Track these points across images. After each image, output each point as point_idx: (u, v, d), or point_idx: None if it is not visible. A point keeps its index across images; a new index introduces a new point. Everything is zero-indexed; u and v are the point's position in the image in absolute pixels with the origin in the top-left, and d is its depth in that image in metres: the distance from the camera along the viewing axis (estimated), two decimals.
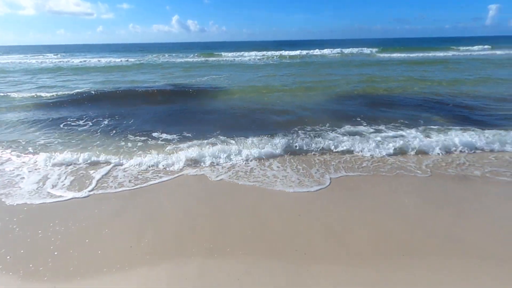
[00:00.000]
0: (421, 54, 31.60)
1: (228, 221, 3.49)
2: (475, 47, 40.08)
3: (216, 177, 4.64)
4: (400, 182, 4.38)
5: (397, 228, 3.29)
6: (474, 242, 3.02)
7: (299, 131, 6.71)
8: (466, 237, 3.10)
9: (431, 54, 32.01)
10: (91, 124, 7.81)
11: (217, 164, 5.05)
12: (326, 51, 37.83)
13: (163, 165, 4.98)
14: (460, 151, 5.32)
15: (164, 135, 6.66)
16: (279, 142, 5.65)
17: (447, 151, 5.31)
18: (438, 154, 5.21)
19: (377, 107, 8.99)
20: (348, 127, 6.86)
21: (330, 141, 5.76)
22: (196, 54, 37.95)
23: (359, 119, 7.55)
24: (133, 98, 10.80)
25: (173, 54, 39.98)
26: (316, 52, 37.12)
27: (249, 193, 4.16)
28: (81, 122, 8.00)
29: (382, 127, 6.90)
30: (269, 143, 5.71)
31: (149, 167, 4.96)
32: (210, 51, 47.49)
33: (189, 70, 20.16)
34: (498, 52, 32.89)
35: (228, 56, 34.87)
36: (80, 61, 30.37)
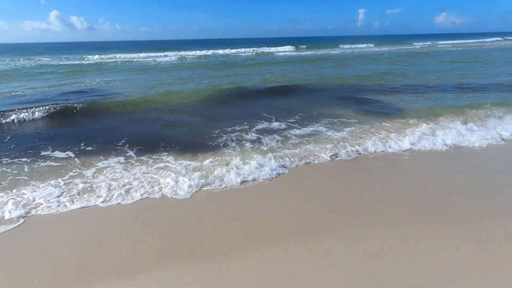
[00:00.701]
0: (311, 52, 35.71)
1: (141, 237, 3.32)
2: (363, 45, 48.23)
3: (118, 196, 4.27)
4: (313, 169, 4.99)
5: (308, 210, 3.75)
6: (372, 212, 3.70)
7: (221, 135, 6.82)
8: (365, 209, 3.77)
9: (324, 51, 36.58)
10: None
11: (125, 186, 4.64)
12: (228, 50, 38.82)
13: (59, 191, 4.28)
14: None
15: (56, 154, 5.78)
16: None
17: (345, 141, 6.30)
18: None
19: (284, 105, 9.78)
20: (264, 125, 7.50)
21: (251, 144, 6.23)
22: (83, 56, 33.49)
23: (271, 116, 8.23)
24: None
25: (54, 56, 34.45)
26: (220, 51, 37.69)
27: (162, 203, 4.06)
28: None
29: (289, 123, 7.68)
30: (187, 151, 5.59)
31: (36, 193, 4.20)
32: (102, 51, 42.76)
33: (75, 75, 17.54)
34: (384, 48, 40.83)
35: (124, 57, 31.98)
36: None
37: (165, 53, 35.19)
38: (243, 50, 39.51)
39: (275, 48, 42.35)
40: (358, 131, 6.77)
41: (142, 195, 4.23)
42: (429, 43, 53.54)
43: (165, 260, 2.96)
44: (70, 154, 5.76)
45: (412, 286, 2.57)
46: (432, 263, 2.81)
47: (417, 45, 48.88)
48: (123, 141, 6.46)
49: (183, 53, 35.32)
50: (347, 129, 6.94)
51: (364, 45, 48.61)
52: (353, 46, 47.24)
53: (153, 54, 34.07)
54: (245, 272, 2.76)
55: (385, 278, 2.65)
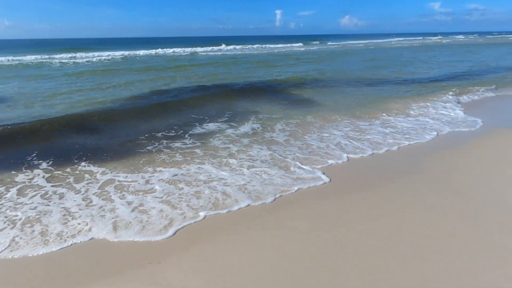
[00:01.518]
0: (240, 52, 35.98)
1: (57, 260, 3.15)
2: (295, 44, 50.79)
3: None
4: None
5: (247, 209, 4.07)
6: (300, 201, 4.33)
7: (152, 142, 6.55)
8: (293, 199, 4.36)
9: (255, 51, 37.08)
10: None
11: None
12: (147, 51, 36.42)
13: None
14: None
15: None
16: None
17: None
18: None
19: (216, 108, 9.82)
20: (199, 128, 7.49)
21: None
22: None
23: (205, 118, 8.37)
24: None
25: None
26: (140, 52, 34.99)
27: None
28: None
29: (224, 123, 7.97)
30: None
31: None
32: None
33: None
34: (312, 48, 43.91)
35: (15, 59, 26.82)
36: None
37: (73, 54, 31.00)
38: (169, 50, 37.60)
39: (208, 48, 41.60)
40: (289, 128, 7.39)
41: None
42: (343, 42, 59.38)
43: (90, 281, 2.82)
44: None
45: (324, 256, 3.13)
46: (338, 228, 3.50)
47: (333, 44, 53.71)
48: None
49: (95, 54, 31.72)
50: (278, 126, 7.53)
51: (297, 44, 51.24)
52: (279, 45, 49.37)
53: (57, 56, 29.65)
54: (183, 277, 2.81)
55: (300, 253, 3.16)
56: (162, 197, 4.29)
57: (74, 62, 24.54)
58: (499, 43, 48.73)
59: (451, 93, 10.90)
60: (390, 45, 50.61)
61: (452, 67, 18.79)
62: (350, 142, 6.35)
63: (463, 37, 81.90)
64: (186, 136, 6.96)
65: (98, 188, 4.59)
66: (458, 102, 9.85)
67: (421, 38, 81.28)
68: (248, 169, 5.10)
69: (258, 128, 7.42)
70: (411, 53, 32.15)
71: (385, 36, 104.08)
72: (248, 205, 4.06)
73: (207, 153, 5.85)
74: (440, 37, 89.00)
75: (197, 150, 6.01)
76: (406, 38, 79.08)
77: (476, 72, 16.57)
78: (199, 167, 5.24)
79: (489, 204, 3.93)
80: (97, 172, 5.13)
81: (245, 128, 7.41)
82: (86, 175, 5.04)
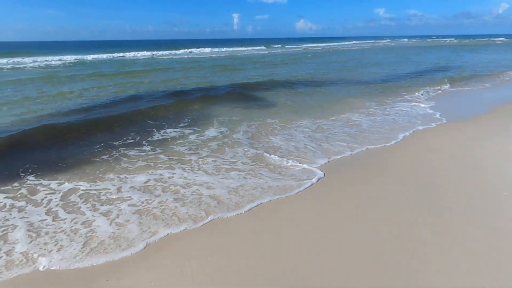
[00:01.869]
0: (198, 56, 35.38)
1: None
2: (257, 47, 50.86)
3: None
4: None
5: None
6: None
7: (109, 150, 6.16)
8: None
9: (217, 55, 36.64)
10: None
11: None
12: (97, 56, 34.33)
13: None
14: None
15: None
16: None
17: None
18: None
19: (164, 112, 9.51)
20: (157, 137, 7.11)
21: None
22: None
23: (164, 124, 8.11)
24: None
25: None
26: (90, 57, 32.74)
27: None
28: None
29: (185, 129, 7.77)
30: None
31: None
32: None
33: None
34: (273, 51, 44.37)
35: None
36: None
37: (11, 59, 27.87)
38: (129, 54, 35.80)
39: (148, 52, 40.03)
40: (251, 129, 7.41)
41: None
42: (303, 45, 61.23)
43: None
44: None
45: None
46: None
47: (293, 47, 55.11)
48: None
49: (37, 58, 28.95)
50: (241, 128, 7.48)
51: (247, 48, 51.52)
52: (242, 48, 49.57)
53: None
54: None
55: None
56: (139, 206, 4.06)
57: (13, 67, 22.07)
58: (438, 46, 54.18)
59: (411, 91, 11.70)
60: (347, 48, 53.30)
61: (406, 67, 20.18)
62: (317, 144, 6.29)
63: (407, 40, 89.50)
64: (144, 143, 6.62)
65: (60, 199, 4.27)
66: (420, 100, 10.50)
67: (372, 41, 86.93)
68: (227, 173, 4.99)
69: (226, 131, 7.27)
70: (367, 55, 34.04)
71: (340, 39, 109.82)
72: (240, 213, 3.89)
73: (173, 159, 5.63)
74: (388, 40, 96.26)
75: (162, 156, 5.81)
76: (360, 41, 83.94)
77: (429, 71, 18.07)
78: (169, 171, 5.07)
79: (452, 195, 4.21)
80: (48, 185, 4.70)
81: (211, 132, 7.20)
82: (39, 187, 4.63)
